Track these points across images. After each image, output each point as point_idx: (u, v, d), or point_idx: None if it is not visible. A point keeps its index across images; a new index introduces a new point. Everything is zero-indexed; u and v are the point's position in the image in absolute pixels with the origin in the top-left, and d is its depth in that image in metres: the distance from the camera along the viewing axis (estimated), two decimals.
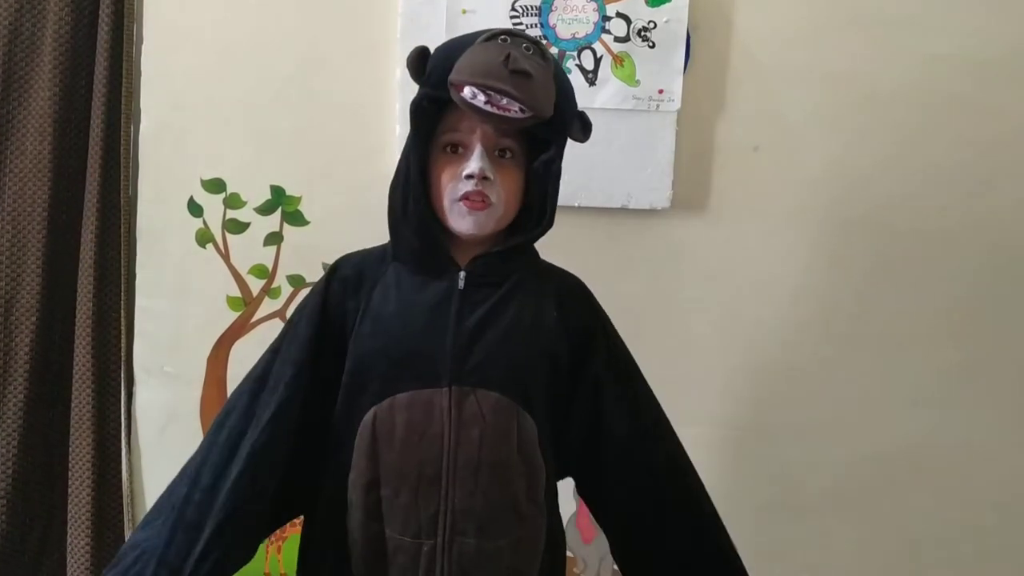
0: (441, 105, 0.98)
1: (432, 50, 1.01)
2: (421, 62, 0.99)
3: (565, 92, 1.01)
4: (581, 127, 1.04)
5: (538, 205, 1.03)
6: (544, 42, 1.53)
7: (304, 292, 1.61)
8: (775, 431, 1.65)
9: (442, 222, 1.02)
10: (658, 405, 1.13)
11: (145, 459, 1.67)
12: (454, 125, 0.99)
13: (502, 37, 0.96)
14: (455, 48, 0.98)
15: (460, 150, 1.00)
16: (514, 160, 1.01)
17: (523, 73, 0.91)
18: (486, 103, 0.92)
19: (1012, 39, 1.56)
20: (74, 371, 1.61)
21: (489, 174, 0.98)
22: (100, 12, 1.56)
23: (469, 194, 0.98)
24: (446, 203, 1.00)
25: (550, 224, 1.04)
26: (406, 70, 1.01)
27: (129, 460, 1.68)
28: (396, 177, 1.03)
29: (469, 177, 0.98)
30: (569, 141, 1.05)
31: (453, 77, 0.94)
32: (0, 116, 1.54)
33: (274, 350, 1.07)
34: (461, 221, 1.00)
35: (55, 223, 1.57)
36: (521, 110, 0.93)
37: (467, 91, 0.93)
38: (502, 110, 0.92)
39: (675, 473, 1.12)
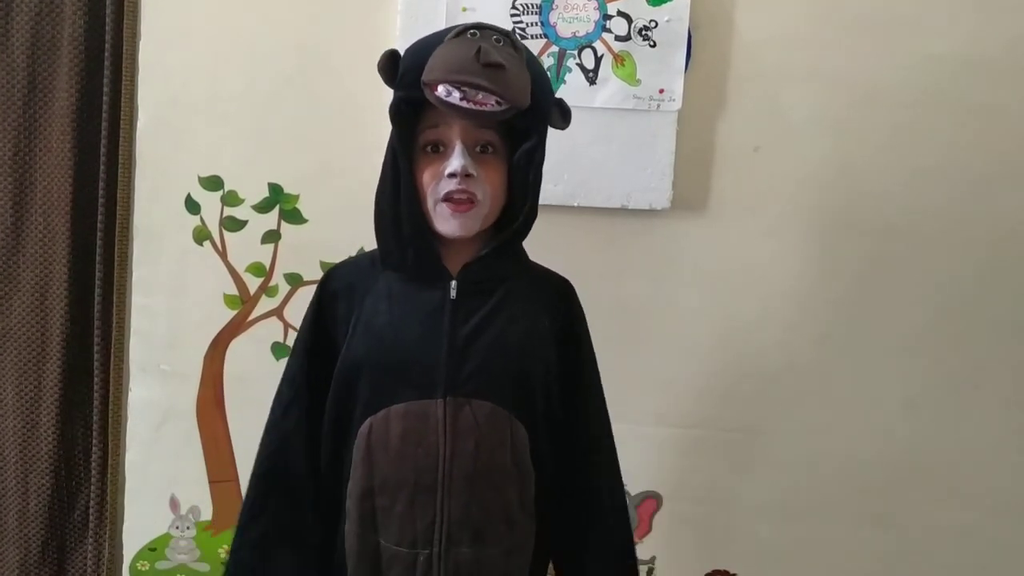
0: (418, 106, 0.97)
1: (402, 53, 1.00)
2: (392, 65, 0.98)
3: (541, 80, 0.99)
4: (561, 114, 1.03)
5: (521, 198, 1.01)
6: (549, 27, 1.52)
7: (302, 291, 1.62)
8: (774, 432, 1.64)
9: (430, 225, 1.01)
10: (608, 423, 1.13)
11: (141, 457, 1.67)
12: (433, 123, 0.98)
13: (471, 32, 0.95)
14: (425, 47, 0.96)
15: (441, 148, 0.99)
16: (496, 154, 1.00)
17: (496, 65, 0.90)
18: (462, 99, 0.91)
19: (1011, 39, 1.56)
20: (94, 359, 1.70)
21: (472, 170, 0.97)
22: (106, 11, 1.59)
23: (452, 194, 0.97)
24: (430, 203, 0.99)
25: (533, 213, 1.03)
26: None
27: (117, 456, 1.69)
28: (382, 183, 1.02)
29: (452, 175, 0.96)
30: (554, 135, 1.03)
31: (426, 77, 0.93)
32: (27, 117, 1.63)
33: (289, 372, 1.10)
34: (446, 224, 0.99)
35: (78, 217, 1.66)
36: (497, 102, 0.92)
37: (441, 89, 0.92)
38: (478, 104, 0.91)
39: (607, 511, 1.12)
